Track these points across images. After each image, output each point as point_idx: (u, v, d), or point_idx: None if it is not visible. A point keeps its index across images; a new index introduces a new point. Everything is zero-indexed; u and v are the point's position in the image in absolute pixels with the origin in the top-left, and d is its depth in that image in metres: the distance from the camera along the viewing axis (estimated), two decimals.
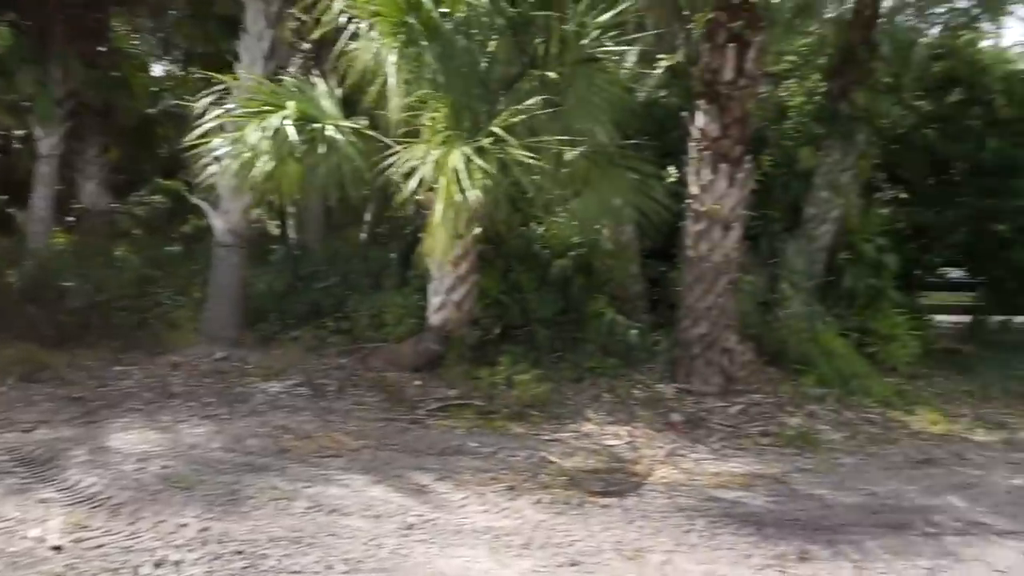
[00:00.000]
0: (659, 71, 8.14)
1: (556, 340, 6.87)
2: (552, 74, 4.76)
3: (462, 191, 4.30)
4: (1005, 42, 9.66)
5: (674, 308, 6.49)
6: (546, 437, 5.21)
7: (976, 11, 9.07)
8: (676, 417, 5.50)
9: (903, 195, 8.28)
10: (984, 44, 9.25)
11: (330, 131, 5.06)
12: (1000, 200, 7.74)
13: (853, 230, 7.34)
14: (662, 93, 8.30)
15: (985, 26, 9.14)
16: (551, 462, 4.73)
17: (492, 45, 5.16)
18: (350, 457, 4.77)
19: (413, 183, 4.63)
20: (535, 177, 4.91)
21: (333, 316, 7.58)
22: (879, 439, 5.43)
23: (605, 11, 4.92)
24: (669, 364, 6.27)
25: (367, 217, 10.02)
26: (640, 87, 8.58)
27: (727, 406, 5.72)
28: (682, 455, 4.97)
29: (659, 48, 8.04)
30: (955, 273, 8.97)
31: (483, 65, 5.23)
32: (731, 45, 5.40)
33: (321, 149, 5.12)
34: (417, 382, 6.10)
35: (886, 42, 7.13)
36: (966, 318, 9.09)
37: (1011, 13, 8.95)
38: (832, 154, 7.27)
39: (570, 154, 5.03)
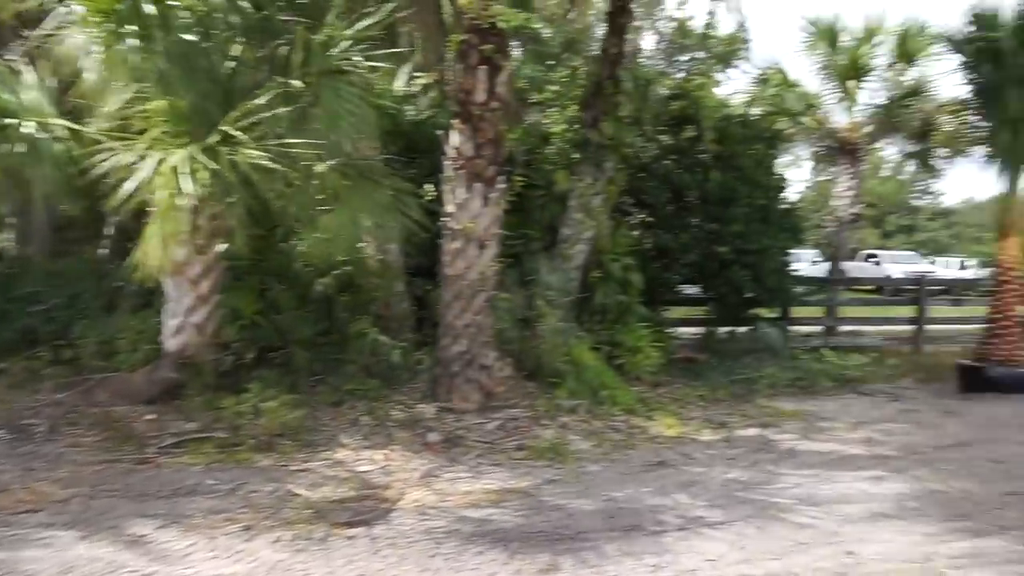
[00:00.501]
0: (425, 90, 8.21)
1: (316, 362, 6.55)
2: (297, 82, 4.52)
3: (181, 193, 3.89)
4: (727, 89, 11.11)
5: (437, 327, 6.50)
6: (295, 468, 4.88)
7: (710, 61, 10.39)
8: (433, 437, 5.45)
9: (647, 219, 9.08)
10: (713, 89, 10.57)
11: (29, 128, 4.34)
12: (722, 225, 8.81)
13: (604, 250, 7.88)
14: (431, 112, 8.37)
15: (716, 74, 10.47)
16: (297, 495, 4.43)
17: (234, 48, 4.79)
18: (54, 510, 4.10)
19: (131, 185, 4.10)
20: (280, 188, 4.61)
21: (52, 344, 6.59)
22: (622, 445, 5.81)
23: (356, 23, 4.79)
24: (431, 383, 6.23)
25: (109, 230, 8.89)
26: (408, 105, 8.60)
27: (485, 422, 5.80)
28: (437, 476, 4.91)
29: (426, 67, 8.13)
30: (691, 289, 10.01)
31: (225, 68, 4.84)
32: (482, 67, 5.56)
33: (19, 148, 4.38)
34: (150, 416, 5.46)
35: (629, 79, 7.80)
36: (702, 329, 10.17)
37: (736, 66, 10.37)
38: (584, 179, 7.76)
39: (320, 166, 4.80)
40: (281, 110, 4.34)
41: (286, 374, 6.16)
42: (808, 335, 11.43)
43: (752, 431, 6.45)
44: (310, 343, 6.56)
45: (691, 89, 9.79)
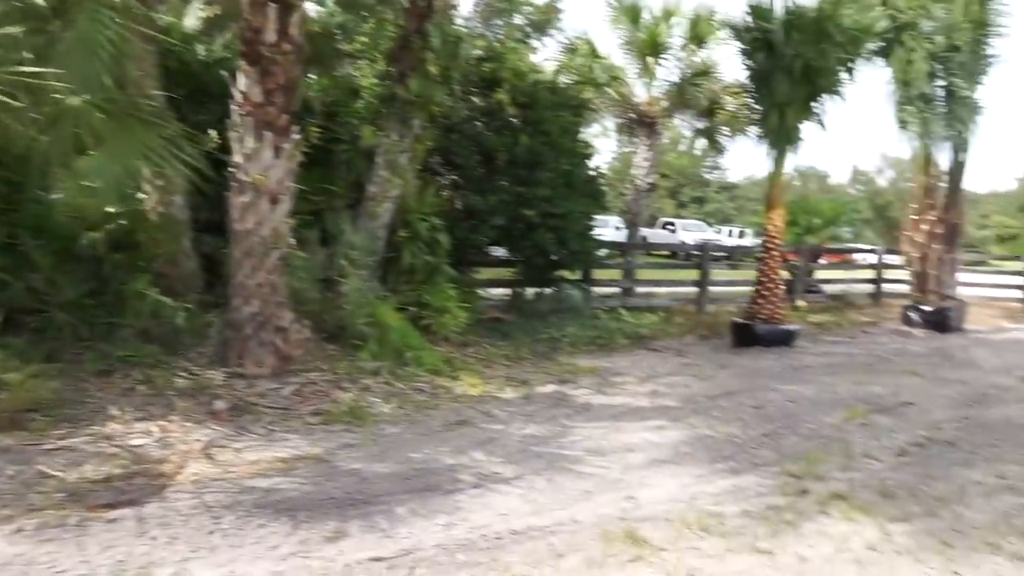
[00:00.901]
0: (216, 29, 7.47)
1: (83, 327, 5.81)
2: (42, 1, 3.84)
3: None
4: (539, 56, 11.31)
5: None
6: (49, 446, 4.30)
7: (524, 27, 10.51)
8: (220, 404, 5.06)
9: (456, 180, 9.05)
10: (525, 55, 10.73)
11: None
12: (530, 189, 9.01)
13: (411, 210, 7.74)
14: (224, 54, 7.64)
15: (529, 40, 10.61)
16: (49, 476, 3.90)
17: None
18: None
19: None
20: (27, 124, 3.94)
21: None
22: (424, 407, 5.79)
23: None
24: (220, 347, 5.78)
25: None
26: (199, 44, 7.79)
27: (280, 387, 5.50)
28: (222, 446, 4.57)
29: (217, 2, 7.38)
30: (499, 251, 10.20)
31: None
32: (272, 5, 5.11)
33: None
34: None
35: (438, 35, 7.62)
36: (509, 291, 10.42)
37: (549, 34, 10.60)
38: (391, 135, 7.53)
39: (73, 100, 4.14)
40: (15, 29, 3.65)
41: (42, 340, 5.40)
42: (608, 296, 12.15)
43: (551, 388, 6.71)
44: (75, 305, 5.79)
45: (503, 52, 9.83)
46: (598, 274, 11.75)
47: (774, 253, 9.60)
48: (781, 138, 9.24)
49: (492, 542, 3.55)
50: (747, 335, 9.55)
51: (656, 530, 3.74)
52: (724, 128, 12.41)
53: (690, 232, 31.37)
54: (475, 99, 9.48)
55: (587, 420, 5.71)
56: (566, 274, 10.34)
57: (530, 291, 10.33)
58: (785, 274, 13.49)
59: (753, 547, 3.59)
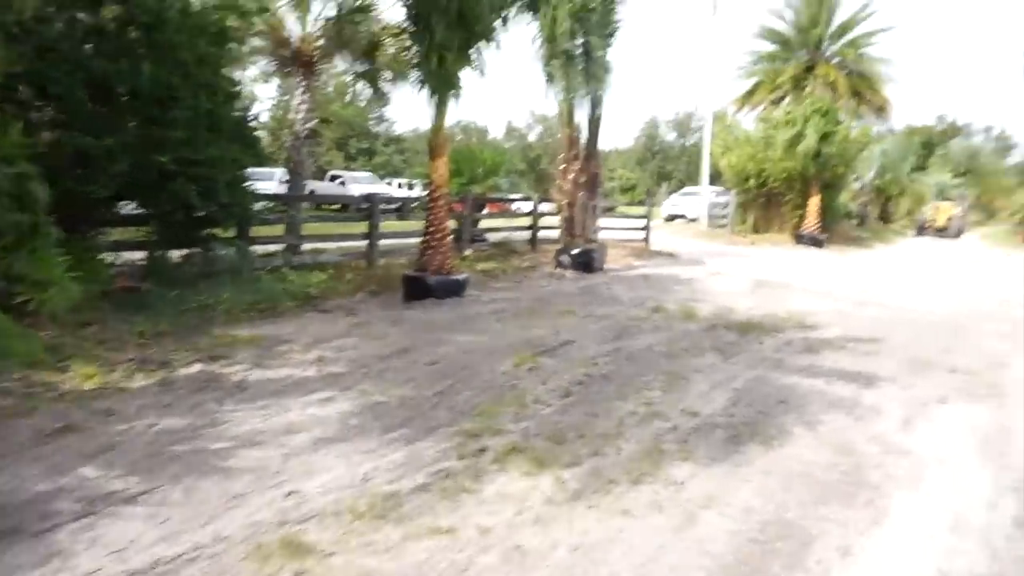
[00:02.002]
0: None
1: None
2: None
3: None
4: None
5: None
6: None
7: None
8: None
9: (58, 116, 7.14)
10: None
11: None
12: (161, 130, 7.49)
13: None
14: None
15: None
16: None
17: None
18: None
19: None
20: None
21: None
22: (10, 414, 4.36)
23: None
24: None
25: None
26: None
27: None
28: None
29: None
30: (131, 206, 8.48)
31: None
32: None
33: None
34: None
35: None
36: (147, 254, 8.76)
37: None
38: None
39: None
40: None
41: None
42: (271, 255, 11.04)
43: (198, 367, 5.64)
44: None
45: None
46: (259, 231, 10.58)
47: (440, 203, 9.49)
48: (442, 83, 9.03)
49: None
50: (419, 288, 9.36)
51: (323, 530, 3.17)
52: (386, 72, 11.89)
53: (360, 185, 30.79)
54: (82, 15, 7.55)
55: (242, 402, 4.85)
56: (218, 232, 9.04)
57: (175, 253, 8.82)
58: (452, 224, 13.80)
59: (433, 528, 3.23)
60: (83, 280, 6.54)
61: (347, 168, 43.89)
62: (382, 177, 38.83)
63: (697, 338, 7.48)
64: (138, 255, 8.82)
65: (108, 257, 8.23)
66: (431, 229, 9.51)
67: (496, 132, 69.96)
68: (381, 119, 55.21)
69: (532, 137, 59.91)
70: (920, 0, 67.58)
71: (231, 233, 9.38)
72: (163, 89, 7.59)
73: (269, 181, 29.66)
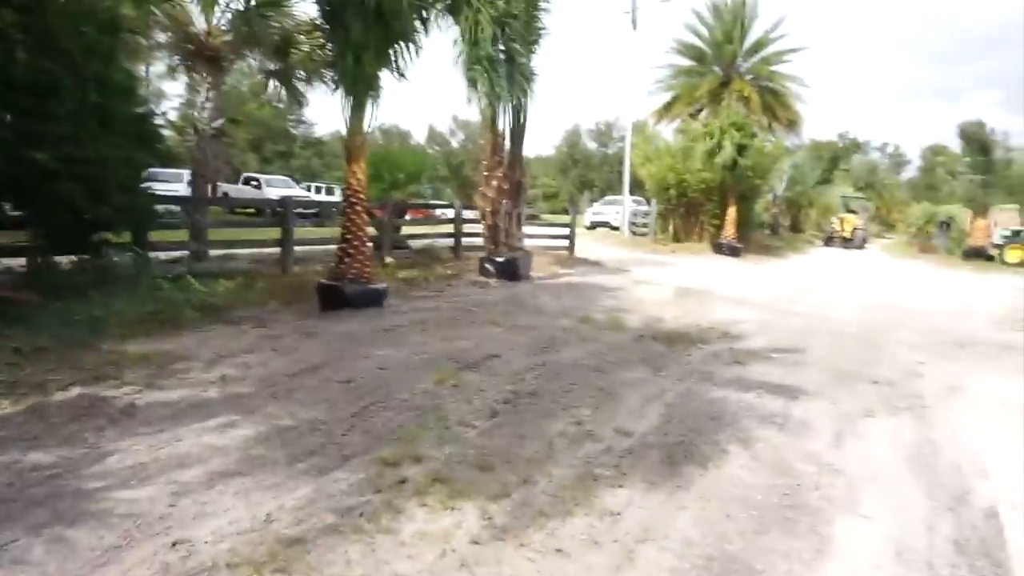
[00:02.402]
0: None
1: None
2: None
3: None
4: None
5: None
6: None
7: None
8: None
9: None
10: None
11: None
12: (40, 124, 6.74)
13: None
14: None
15: None
16: None
17: None
18: None
19: None
20: None
21: None
22: None
23: None
24: None
25: None
26: None
27: None
28: None
29: None
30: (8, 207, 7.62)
31: None
32: None
33: None
34: None
35: None
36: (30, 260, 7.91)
37: None
38: None
39: None
40: None
41: None
42: (174, 261, 10.27)
43: (78, 390, 5.00)
44: None
45: None
46: (161, 236, 9.80)
47: (358, 208, 9.01)
48: (358, 84, 8.57)
49: None
50: (335, 297, 8.84)
51: None
52: (300, 71, 11.27)
53: (276, 188, 29.65)
54: None
55: (127, 431, 4.28)
56: (110, 237, 8.27)
57: (66, 260, 8.02)
58: (372, 230, 13.28)
59: None
60: None
61: (262, 171, 42.29)
62: (298, 181, 37.59)
63: (625, 350, 7.30)
64: (17, 262, 7.99)
65: None
66: (347, 236, 9.01)
67: (419, 137, 69.24)
68: (300, 121, 53.63)
69: (455, 143, 59.57)
70: (822, 20, 71.24)
71: (127, 239, 8.66)
72: (42, 79, 6.84)
73: (178, 183, 28.22)
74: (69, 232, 7.54)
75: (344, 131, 8.98)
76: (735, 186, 22.07)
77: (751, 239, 23.94)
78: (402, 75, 9.22)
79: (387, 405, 5.00)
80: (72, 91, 7.08)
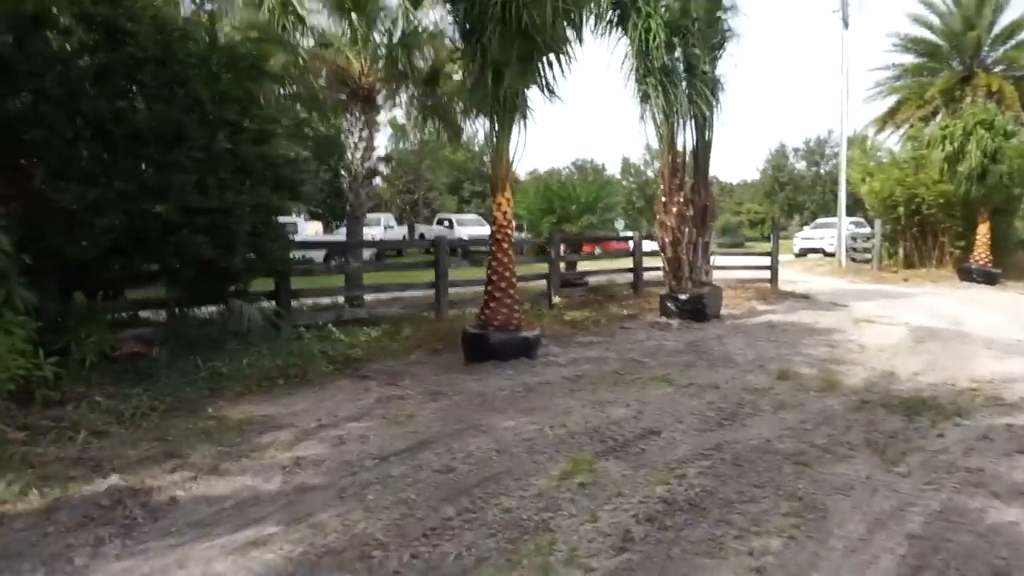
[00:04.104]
0: None
1: None
2: None
3: None
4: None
5: None
6: None
7: None
8: None
9: (37, 163, 6.18)
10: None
11: None
12: (162, 174, 6.38)
13: None
14: None
15: None
16: None
17: None
18: None
19: None
20: None
21: None
22: None
23: None
24: None
25: None
26: None
27: None
28: None
29: None
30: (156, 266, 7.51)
31: None
32: None
33: None
34: None
35: None
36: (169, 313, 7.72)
37: None
38: None
39: None
40: None
41: None
42: (327, 308, 9.87)
43: (115, 478, 4.14)
44: None
45: None
46: (310, 283, 9.42)
47: (504, 245, 7.85)
48: (502, 104, 7.46)
49: None
50: (480, 347, 7.71)
51: None
52: (454, 102, 10.53)
53: (467, 228, 30.00)
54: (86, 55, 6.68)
55: (131, 547, 3.30)
56: (249, 287, 7.91)
57: (200, 312, 7.76)
58: (544, 268, 12.15)
59: None
60: (88, 345, 5.56)
61: (461, 211, 43.69)
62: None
63: (841, 425, 5.27)
64: (160, 315, 7.86)
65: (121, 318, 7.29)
66: (494, 277, 7.87)
67: (613, 169, 68.32)
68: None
69: (650, 172, 57.65)
70: None
71: (266, 287, 8.29)
72: (168, 129, 6.52)
73: (376, 228, 29.62)
74: (200, 284, 7.18)
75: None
76: (986, 198, 17.99)
77: (1011, 262, 19.40)
78: (552, 92, 8.00)
79: (478, 518, 3.60)
80: (198, 139, 6.72)
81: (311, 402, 6.10)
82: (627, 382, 6.80)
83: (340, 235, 20.42)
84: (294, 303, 9.06)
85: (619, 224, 17.76)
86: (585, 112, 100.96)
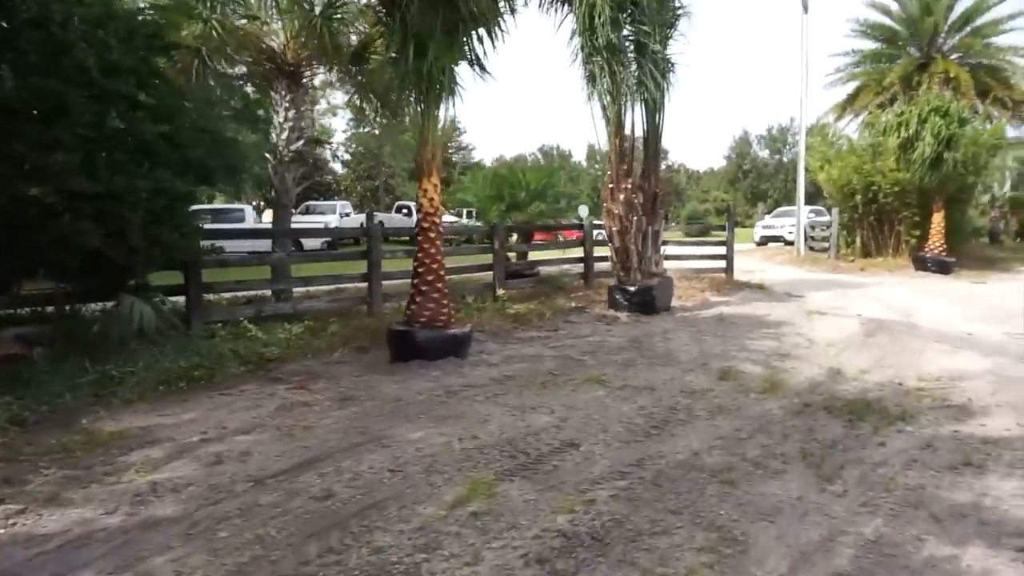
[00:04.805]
0: None
1: None
2: None
3: None
4: None
5: None
6: None
7: None
8: None
9: None
10: None
11: None
12: (40, 154, 5.68)
13: None
14: None
15: None
16: None
17: None
18: None
19: None
20: None
21: None
22: None
23: None
24: None
25: None
26: None
27: None
28: None
29: None
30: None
31: None
32: None
33: None
34: None
35: None
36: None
37: None
38: None
39: None
40: None
41: None
42: (248, 302, 9.19)
43: None
44: None
45: None
46: (226, 275, 8.72)
47: (431, 235, 7.28)
48: (424, 81, 6.87)
49: None
50: (405, 345, 7.15)
51: None
52: (387, 80, 9.85)
53: None
54: None
55: None
56: (148, 280, 7.24)
57: (97, 309, 7.07)
58: (489, 258, 11.59)
59: None
60: None
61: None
62: (452, 208, 37.31)
63: (778, 433, 4.84)
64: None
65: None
66: (420, 269, 7.31)
67: (580, 155, 67.89)
68: (459, 148, 54.32)
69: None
70: None
71: (173, 280, 7.61)
72: (47, 102, 5.81)
73: (332, 215, 28.73)
74: (90, 277, 6.50)
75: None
76: (941, 186, 17.87)
77: (965, 251, 19.40)
78: (483, 69, 7.45)
79: (340, 561, 3.06)
80: (83, 115, 6.01)
81: (203, 410, 5.50)
82: (559, 384, 6.31)
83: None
84: (211, 297, 8.39)
85: (583, 211, 17.17)
86: (551, 97, 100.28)
